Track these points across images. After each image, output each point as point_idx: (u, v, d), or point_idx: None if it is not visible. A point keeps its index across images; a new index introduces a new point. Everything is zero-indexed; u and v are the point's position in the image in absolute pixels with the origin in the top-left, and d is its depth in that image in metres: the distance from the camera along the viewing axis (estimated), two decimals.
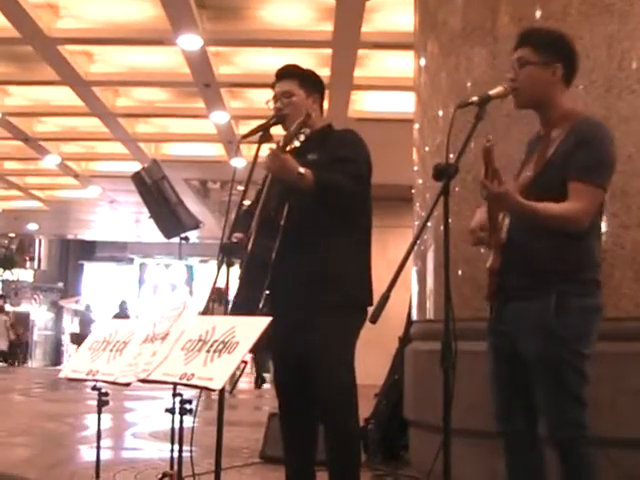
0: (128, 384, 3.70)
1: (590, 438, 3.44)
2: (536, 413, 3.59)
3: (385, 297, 3.00)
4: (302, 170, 4.11)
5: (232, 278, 3.98)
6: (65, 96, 13.54)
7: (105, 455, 6.51)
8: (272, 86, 4.57)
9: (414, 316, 6.58)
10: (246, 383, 18.87)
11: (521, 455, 3.67)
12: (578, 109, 3.78)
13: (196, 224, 6.08)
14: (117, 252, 35.62)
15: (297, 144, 4.12)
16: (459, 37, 5.94)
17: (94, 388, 4.08)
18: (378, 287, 3.69)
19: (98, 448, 4.25)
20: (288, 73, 4.53)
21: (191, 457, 4.10)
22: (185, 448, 4.22)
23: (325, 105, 4.69)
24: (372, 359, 9.65)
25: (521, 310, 3.51)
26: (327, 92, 4.71)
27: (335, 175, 4.20)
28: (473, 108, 3.44)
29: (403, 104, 10.59)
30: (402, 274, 3.14)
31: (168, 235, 6.06)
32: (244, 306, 4.07)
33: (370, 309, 3.50)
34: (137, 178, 6.10)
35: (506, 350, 3.61)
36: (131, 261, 36.49)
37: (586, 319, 3.49)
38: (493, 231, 3.55)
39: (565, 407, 3.45)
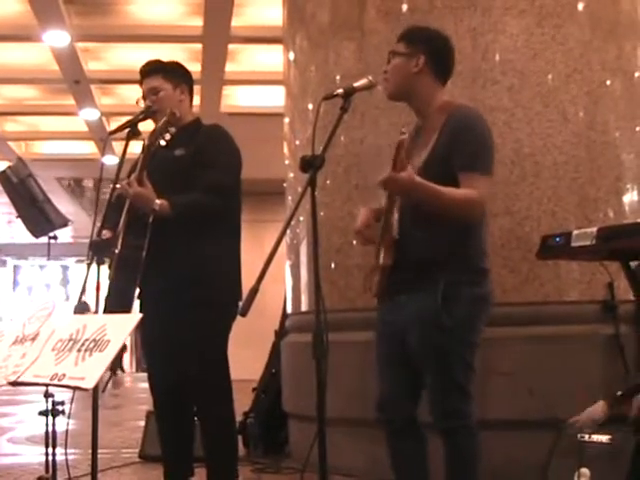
0: None
1: (474, 426, 3.52)
2: (419, 400, 3.66)
3: (254, 290, 3.00)
4: (158, 202, 4.15)
5: (103, 276, 3.94)
6: None
7: None
8: (140, 84, 4.55)
9: (289, 309, 6.61)
10: (127, 382, 18.67)
11: (404, 442, 3.71)
12: (452, 100, 3.84)
13: (64, 222, 5.99)
14: None
15: (163, 143, 4.12)
16: (327, 30, 5.97)
17: None
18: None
19: None
20: (152, 69, 4.52)
21: (66, 459, 4.04)
22: (64, 451, 4.16)
23: (197, 100, 4.69)
24: (250, 354, 9.65)
25: (410, 301, 3.53)
26: (199, 88, 4.70)
27: (192, 197, 4.26)
28: (342, 100, 3.48)
29: (275, 98, 10.60)
30: (278, 268, 3.14)
31: (37, 234, 5.96)
32: (115, 306, 4.03)
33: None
34: (3, 177, 5.99)
35: (395, 339, 3.64)
36: (4, 263, 35.63)
37: (474, 308, 3.54)
38: (386, 228, 3.56)
39: (449, 397, 3.51)
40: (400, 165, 3.33)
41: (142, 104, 4.50)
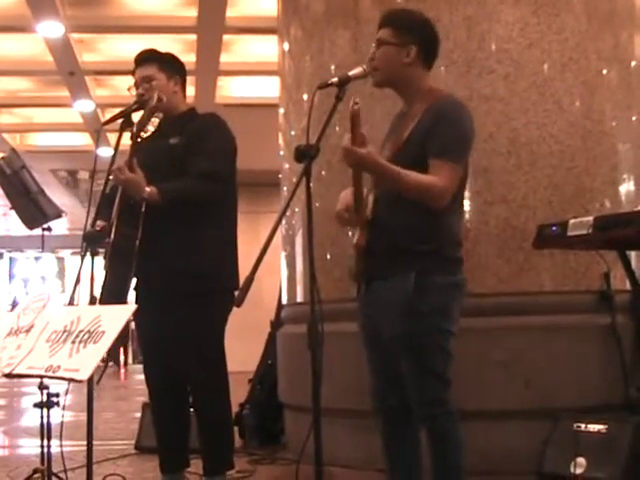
0: None
1: (454, 412, 3.50)
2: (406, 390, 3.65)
3: (249, 280, 2.99)
4: (147, 190, 4.12)
5: (97, 267, 3.92)
6: None
7: None
8: (132, 73, 4.53)
9: (284, 300, 6.59)
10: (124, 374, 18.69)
11: (396, 432, 3.70)
12: (440, 88, 3.82)
13: (58, 213, 5.98)
14: None
15: (151, 128, 4.10)
16: (322, 20, 5.94)
17: None
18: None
19: None
20: (147, 58, 4.49)
21: (61, 451, 4.04)
22: (61, 443, 4.16)
23: (192, 91, 4.67)
24: (247, 345, 9.64)
25: (382, 289, 3.53)
26: (193, 79, 4.67)
27: (182, 183, 4.24)
28: (337, 90, 3.46)
29: (270, 89, 10.58)
30: (273, 259, 3.13)
31: (31, 226, 5.95)
32: (111, 297, 4.02)
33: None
34: None
35: (372, 330, 3.64)
36: (0, 256, 35.61)
37: (447, 296, 3.51)
38: (359, 208, 3.53)
39: (427, 385, 3.50)
40: (359, 138, 3.32)
41: (133, 92, 4.47)
